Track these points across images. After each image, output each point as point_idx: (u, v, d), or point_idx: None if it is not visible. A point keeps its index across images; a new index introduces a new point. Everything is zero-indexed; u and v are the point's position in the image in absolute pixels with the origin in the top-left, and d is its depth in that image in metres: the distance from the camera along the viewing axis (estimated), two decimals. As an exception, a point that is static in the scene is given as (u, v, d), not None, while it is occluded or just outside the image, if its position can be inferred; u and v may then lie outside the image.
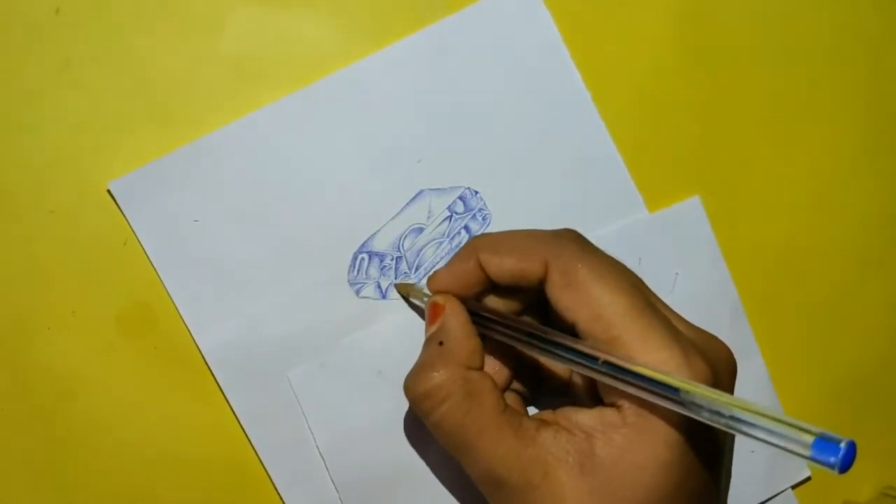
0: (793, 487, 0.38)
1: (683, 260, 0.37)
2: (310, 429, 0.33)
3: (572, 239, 0.28)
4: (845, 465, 0.20)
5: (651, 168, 0.37)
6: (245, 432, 0.33)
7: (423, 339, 0.30)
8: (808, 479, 0.38)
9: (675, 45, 0.37)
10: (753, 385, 0.38)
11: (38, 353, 0.32)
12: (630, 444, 0.24)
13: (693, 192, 0.37)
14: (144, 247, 0.32)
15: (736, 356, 0.27)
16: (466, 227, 0.35)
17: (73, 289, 0.32)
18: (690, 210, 0.37)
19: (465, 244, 0.30)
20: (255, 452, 0.33)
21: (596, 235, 0.35)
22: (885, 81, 0.40)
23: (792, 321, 0.39)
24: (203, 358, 0.32)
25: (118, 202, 0.32)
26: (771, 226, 0.39)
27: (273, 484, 0.33)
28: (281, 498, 0.33)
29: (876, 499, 0.40)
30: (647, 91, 0.37)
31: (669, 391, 0.23)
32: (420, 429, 0.33)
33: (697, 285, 0.37)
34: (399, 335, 0.33)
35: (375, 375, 0.33)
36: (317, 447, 0.33)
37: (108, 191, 0.32)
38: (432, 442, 0.29)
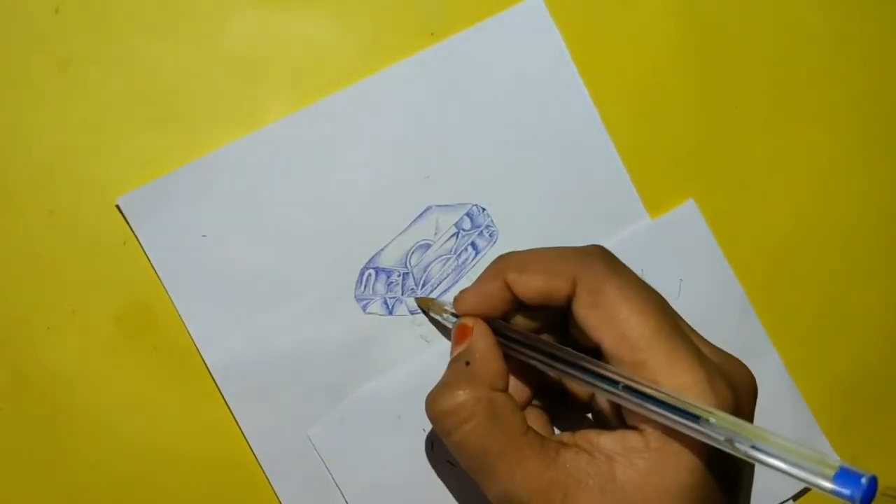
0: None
1: (685, 265, 0.36)
2: (336, 485, 0.33)
3: (600, 256, 0.28)
4: (866, 500, 0.19)
5: (655, 177, 0.37)
6: (248, 444, 0.33)
7: (438, 378, 0.29)
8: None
9: (676, 49, 0.37)
10: (772, 383, 0.37)
11: (38, 353, 0.32)
12: (653, 468, 0.24)
13: (697, 196, 0.37)
14: (153, 261, 0.32)
15: (749, 354, 0.27)
16: (473, 244, 0.34)
17: (73, 289, 0.32)
18: (686, 214, 0.37)
19: (491, 264, 0.30)
20: (259, 464, 0.33)
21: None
22: (884, 81, 0.40)
23: (792, 321, 0.39)
24: (203, 360, 0.32)
25: (126, 217, 0.32)
26: (771, 226, 0.39)
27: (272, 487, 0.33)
28: (279, 499, 0.33)
29: (876, 499, 0.40)
30: (647, 96, 0.37)
31: (690, 418, 0.23)
32: (447, 466, 0.33)
33: (703, 289, 0.36)
34: (414, 378, 0.33)
35: (395, 420, 0.33)
36: (345, 501, 0.33)
37: (117, 206, 0.32)
38: (459, 477, 0.28)
